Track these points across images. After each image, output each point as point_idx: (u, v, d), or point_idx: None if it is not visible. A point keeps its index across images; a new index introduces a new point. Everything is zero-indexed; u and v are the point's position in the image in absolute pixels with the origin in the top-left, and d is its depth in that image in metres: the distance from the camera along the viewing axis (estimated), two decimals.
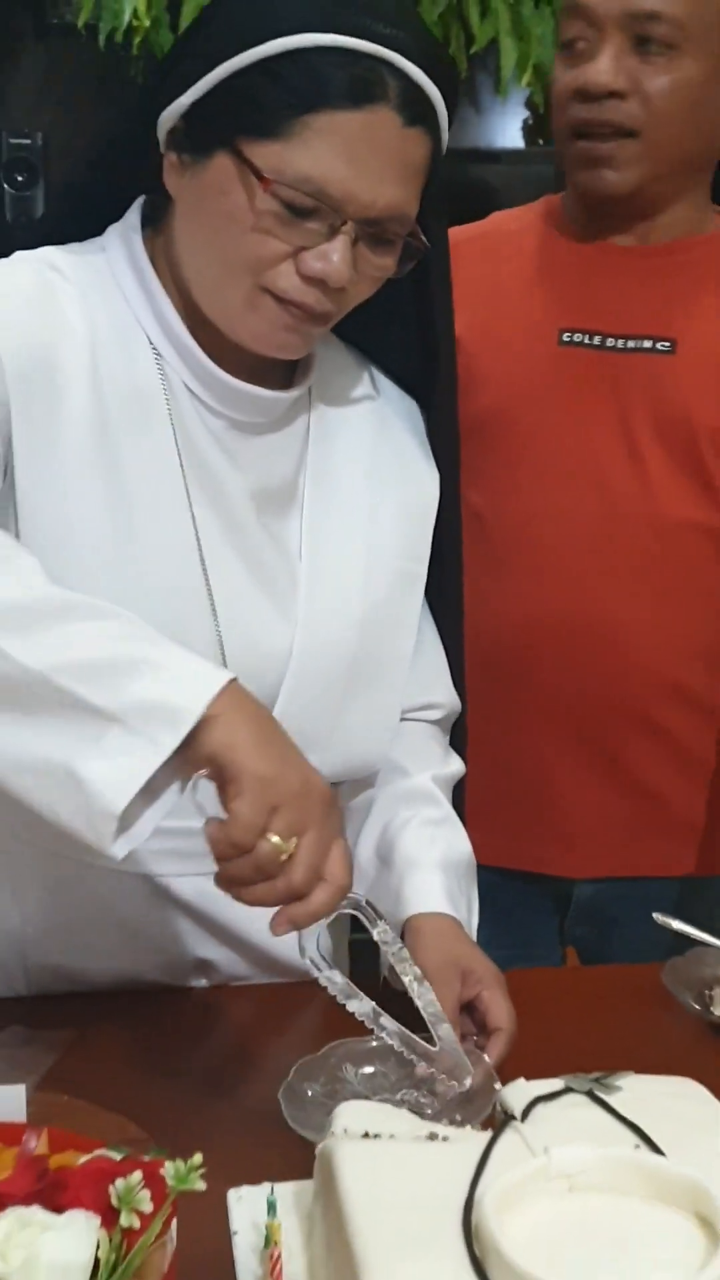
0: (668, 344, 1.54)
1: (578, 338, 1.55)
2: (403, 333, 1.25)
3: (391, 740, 1.27)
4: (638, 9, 1.44)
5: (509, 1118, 0.89)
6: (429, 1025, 1.07)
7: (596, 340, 1.55)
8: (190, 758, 0.92)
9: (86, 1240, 0.71)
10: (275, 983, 1.29)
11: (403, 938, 1.17)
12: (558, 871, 1.64)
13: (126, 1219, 0.72)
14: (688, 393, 1.54)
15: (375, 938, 1.07)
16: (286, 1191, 0.94)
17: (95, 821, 0.92)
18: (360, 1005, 1.05)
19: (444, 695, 1.34)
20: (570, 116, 1.50)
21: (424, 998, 1.07)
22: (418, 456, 1.29)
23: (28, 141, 2.99)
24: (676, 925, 1.38)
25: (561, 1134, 0.86)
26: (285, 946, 1.24)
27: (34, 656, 0.93)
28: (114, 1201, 0.73)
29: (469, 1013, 1.15)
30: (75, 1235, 0.72)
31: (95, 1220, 0.72)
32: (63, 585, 1.02)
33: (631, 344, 1.54)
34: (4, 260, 1.15)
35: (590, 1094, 0.91)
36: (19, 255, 1.15)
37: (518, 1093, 0.92)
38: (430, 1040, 1.07)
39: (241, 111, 1.06)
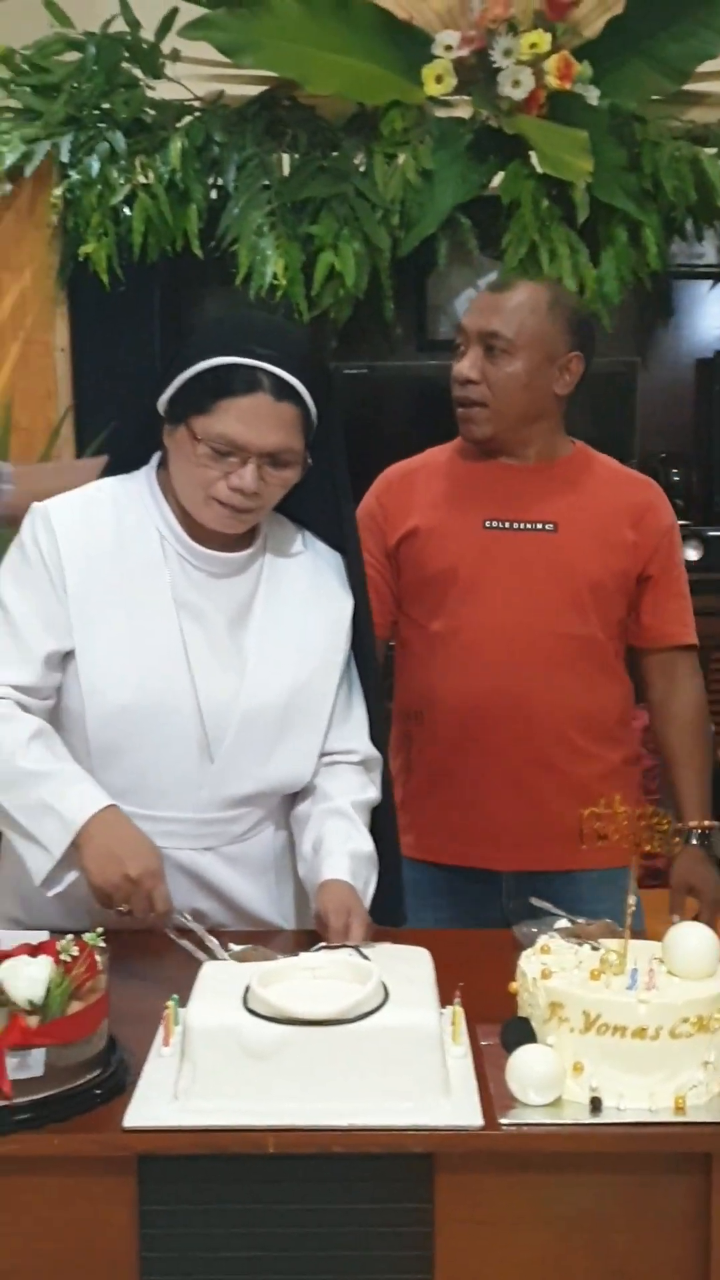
0: (552, 526, 2.36)
1: (495, 524, 2.36)
2: (323, 510, 2.03)
3: (311, 772, 2.00)
4: (486, 329, 2.31)
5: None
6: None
7: (507, 525, 2.36)
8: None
9: (46, 964, 1.46)
10: (246, 930, 2.00)
11: (319, 893, 1.89)
12: (490, 866, 2.35)
13: (65, 955, 1.47)
14: (568, 556, 2.34)
15: (191, 925, 1.85)
16: None
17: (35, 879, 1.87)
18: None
19: (362, 744, 2.06)
20: (453, 392, 2.37)
21: (216, 949, 1.81)
22: (337, 588, 2.04)
23: None
24: (540, 904, 2.08)
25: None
26: (256, 903, 2.02)
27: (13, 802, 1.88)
28: (59, 950, 1.48)
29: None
30: (40, 963, 1.47)
31: (49, 959, 1.47)
32: (104, 675, 1.90)
33: (529, 526, 2.36)
34: (75, 491, 1.99)
35: (356, 949, 1.62)
36: (81, 488, 2.00)
37: (317, 946, 1.63)
38: None
39: (188, 401, 1.88)
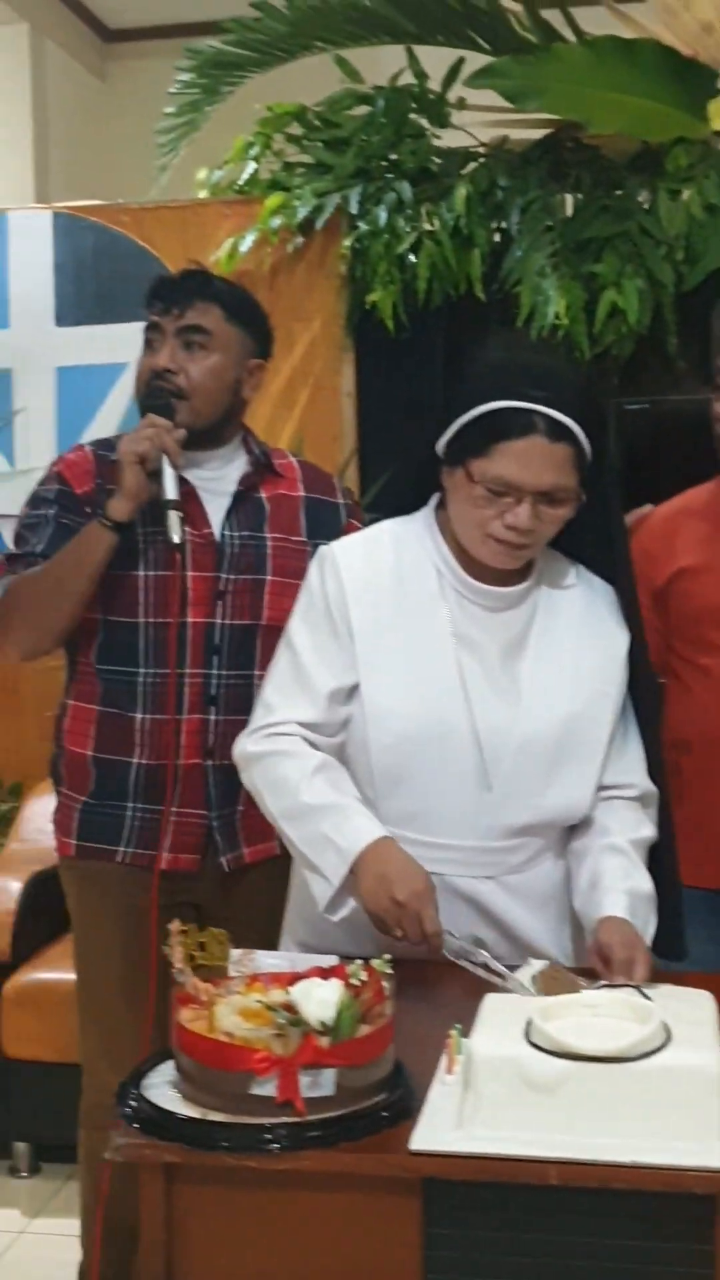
0: None
1: None
2: (597, 544, 2.08)
3: (588, 803, 2.03)
4: None
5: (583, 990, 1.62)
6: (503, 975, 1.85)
7: None
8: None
9: (336, 988, 1.53)
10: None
11: (599, 928, 1.91)
12: None
13: (354, 979, 1.53)
14: None
15: (469, 944, 1.91)
16: None
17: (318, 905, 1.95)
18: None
19: (639, 779, 2.08)
20: (715, 429, 2.40)
21: (502, 970, 1.85)
22: (611, 621, 2.08)
23: None
24: None
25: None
26: (537, 934, 2.05)
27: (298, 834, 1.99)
28: (349, 974, 1.54)
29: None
30: (331, 986, 1.53)
31: (340, 982, 1.54)
32: (387, 705, 1.98)
33: None
34: (358, 533, 2.13)
35: (637, 989, 1.63)
36: (363, 531, 2.13)
37: (598, 984, 1.65)
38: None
39: (465, 444, 1.95)
